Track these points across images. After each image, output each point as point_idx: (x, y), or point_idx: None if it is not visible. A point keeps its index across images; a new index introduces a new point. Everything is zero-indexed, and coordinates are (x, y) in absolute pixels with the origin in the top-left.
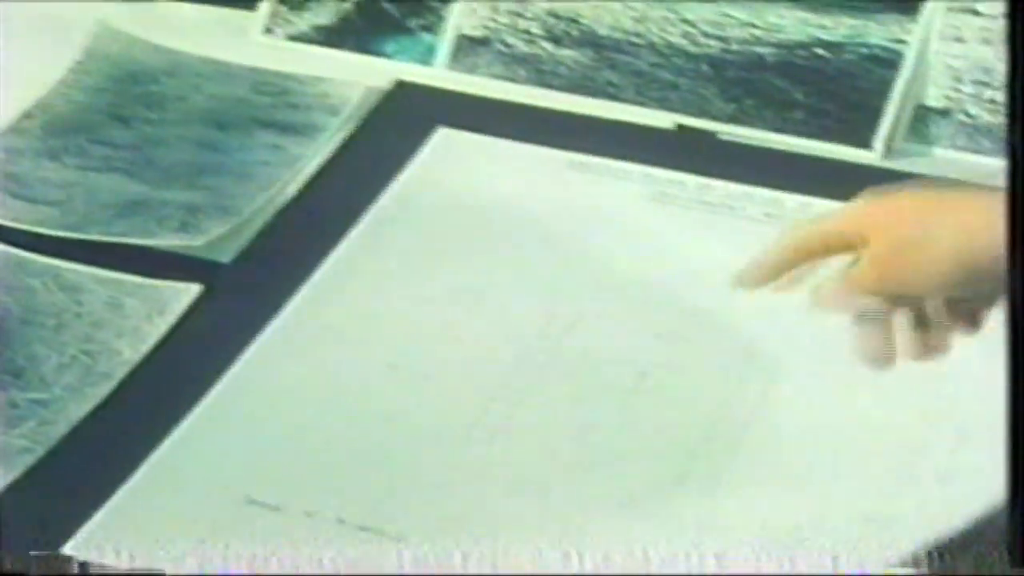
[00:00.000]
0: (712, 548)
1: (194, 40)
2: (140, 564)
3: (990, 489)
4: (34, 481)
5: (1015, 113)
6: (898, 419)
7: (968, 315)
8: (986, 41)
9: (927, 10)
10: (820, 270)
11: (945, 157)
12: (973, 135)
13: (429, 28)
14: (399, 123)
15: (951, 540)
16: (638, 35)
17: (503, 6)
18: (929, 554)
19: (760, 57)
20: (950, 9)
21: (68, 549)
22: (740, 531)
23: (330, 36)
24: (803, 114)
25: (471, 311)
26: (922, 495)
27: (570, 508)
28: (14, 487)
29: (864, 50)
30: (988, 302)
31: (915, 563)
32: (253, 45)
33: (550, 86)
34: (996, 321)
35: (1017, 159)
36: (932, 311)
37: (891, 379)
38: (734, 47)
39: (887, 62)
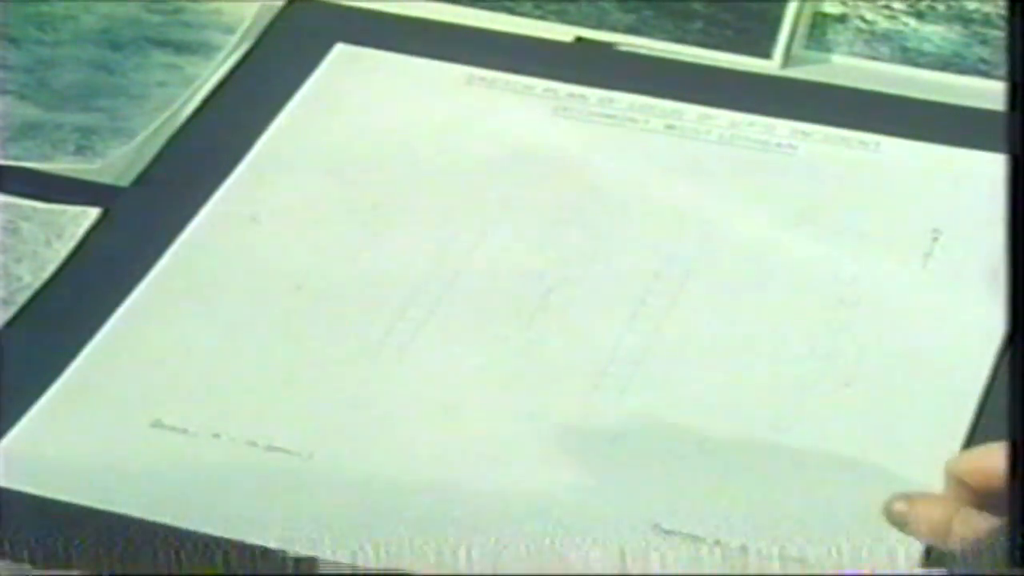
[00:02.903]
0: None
1: None
2: (47, 492)
3: None
4: None
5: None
6: (802, 339)
7: None
8: None
9: None
10: None
11: (843, 64)
12: (870, 41)
13: None
14: (295, 40)
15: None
16: None
17: None
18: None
19: None
20: None
21: None
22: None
23: None
24: (702, 24)
25: (374, 230)
26: (822, 403)
27: (478, 425)
28: None
29: None
30: None
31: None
32: None
33: (448, 0)
34: None
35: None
36: None
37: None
38: None
39: None
